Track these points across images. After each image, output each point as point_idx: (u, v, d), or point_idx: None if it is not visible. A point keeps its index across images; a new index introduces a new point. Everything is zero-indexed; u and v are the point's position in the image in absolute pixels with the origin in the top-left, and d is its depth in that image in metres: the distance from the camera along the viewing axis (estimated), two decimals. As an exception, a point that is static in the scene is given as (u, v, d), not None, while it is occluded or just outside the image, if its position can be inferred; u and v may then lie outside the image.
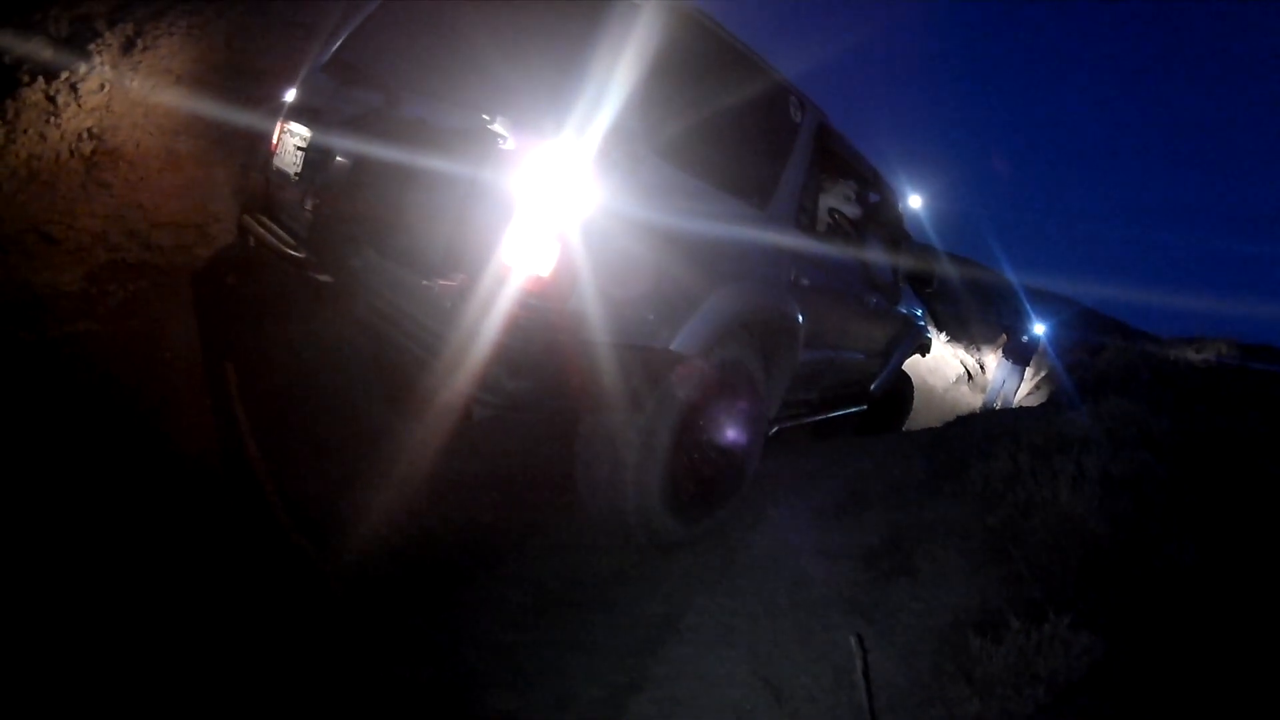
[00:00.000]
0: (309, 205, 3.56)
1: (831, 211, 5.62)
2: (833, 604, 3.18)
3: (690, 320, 3.45)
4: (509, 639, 3.08)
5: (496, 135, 2.92)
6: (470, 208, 2.98)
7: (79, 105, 5.75)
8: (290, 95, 4.02)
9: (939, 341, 15.18)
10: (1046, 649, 2.70)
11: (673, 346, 3.39)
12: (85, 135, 5.71)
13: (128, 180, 5.75)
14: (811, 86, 4.49)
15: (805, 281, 4.36)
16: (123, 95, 5.95)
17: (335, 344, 3.42)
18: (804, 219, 4.41)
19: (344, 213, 3.42)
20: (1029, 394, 13.11)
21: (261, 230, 3.74)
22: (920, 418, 8.57)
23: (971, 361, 15.81)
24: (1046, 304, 16.91)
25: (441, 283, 2.94)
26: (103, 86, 5.89)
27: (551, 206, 2.84)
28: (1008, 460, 4.24)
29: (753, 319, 3.88)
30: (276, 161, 3.89)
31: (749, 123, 3.95)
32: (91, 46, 6.00)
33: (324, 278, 3.40)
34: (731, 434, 4.01)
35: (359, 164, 3.41)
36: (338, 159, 3.48)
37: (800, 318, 4.30)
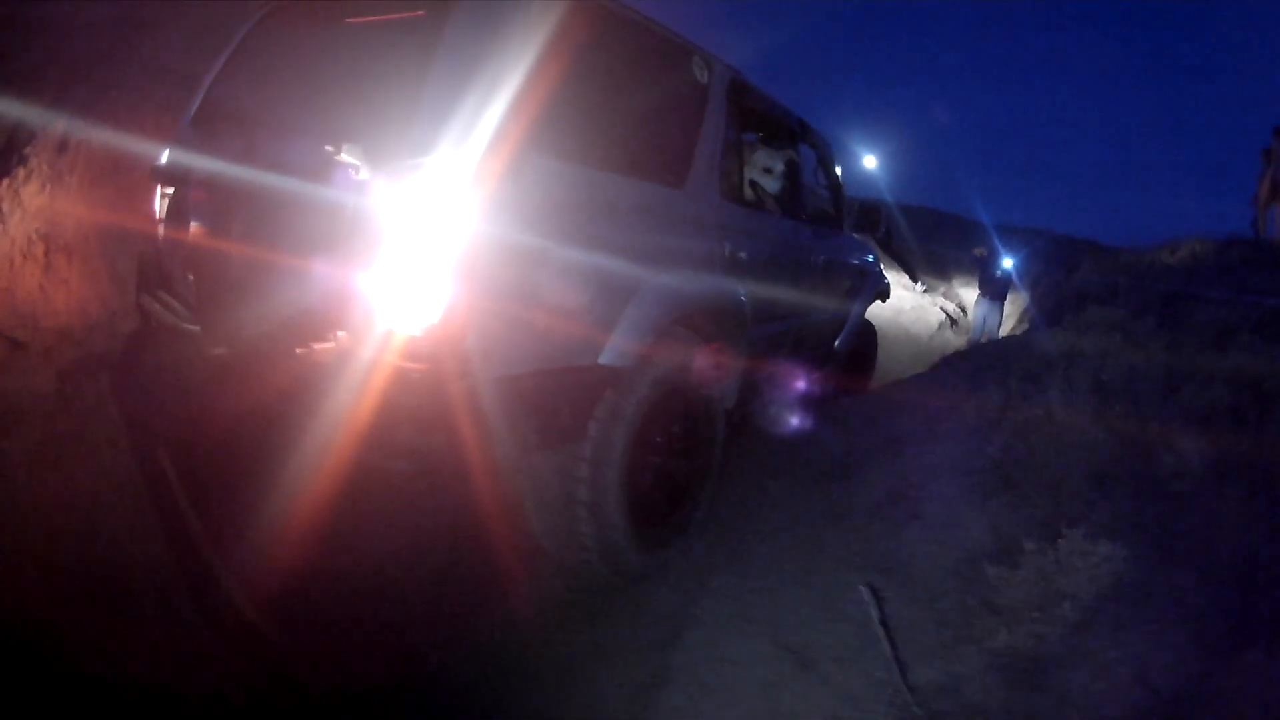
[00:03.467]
0: (190, 274, 3.30)
1: (763, 171, 5.23)
2: (846, 563, 3.05)
3: (615, 329, 3.13)
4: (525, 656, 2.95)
5: (348, 166, 2.59)
6: (335, 253, 2.67)
7: (24, 209, 5.64)
8: (163, 157, 3.61)
9: (917, 292, 15.08)
10: (1066, 565, 2.59)
11: (601, 361, 3.09)
12: (34, 237, 5.61)
13: (82, 274, 5.64)
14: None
15: (742, 255, 4.03)
16: (64, 193, 5.84)
17: (244, 420, 3.14)
18: (729, 188, 4.09)
19: (221, 277, 3.15)
20: (1013, 327, 13.01)
21: (158, 307, 3.47)
22: (908, 369, 8.40)
23: (953, 307, 15.73)
24: (1018, 239, 16.80)
25: (317, 347, 2.67)
26: (44, 187, 5.78)
27: (425, 238, 2.54)
28: (997, 388, 4.13)
29: (689, 310, 3.53)
30: (162, 230, 3.54)
31: (647, 96, 3.56)
32: (28, 150, 5.88)
33: (218, 350, 3.15)
34: (688, 437, 3.74)
35: (223, 220, 3.14)
36: (204, 218, 3.20)
37: (743, 295, 3.96)
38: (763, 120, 4.81)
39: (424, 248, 2.56)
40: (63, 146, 6.02)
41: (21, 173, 5.75)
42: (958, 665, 2.45)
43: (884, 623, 2.55)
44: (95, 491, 3.98)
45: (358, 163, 2.58)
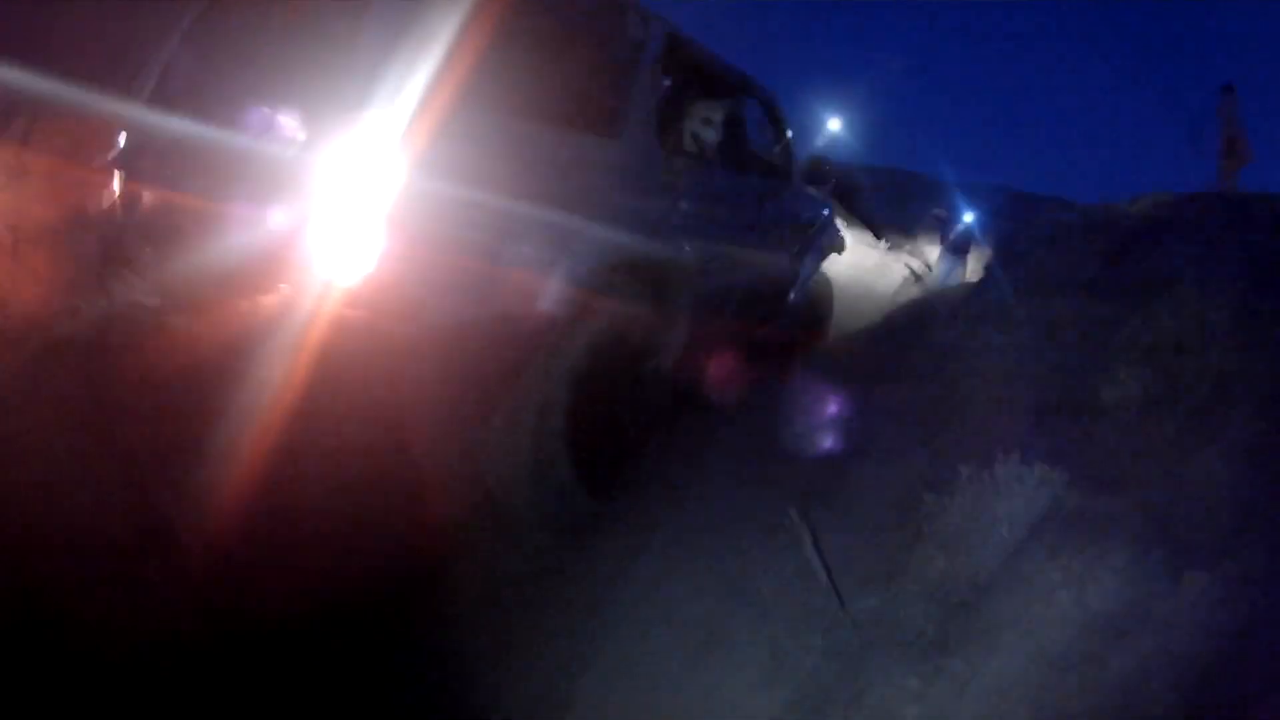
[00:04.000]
0: (146, 249, 3.35)
1: (704, 123, 5.18)
2: (789, 498, 3.06)
3: (551, 278, 3.15)
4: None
5: (287, 127, 2.70)
6: (278, 211, 2.74)
7: (-9, 200, 5.57)
8: (120, 137, 3.65)
9: (881, 249, 15.08)
10: (1003, 492, 2.61)
11: (538, 310, 3.12)
12: (2, 228, 5.54)
13: (51, 262, 5.57)
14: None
15: (683, 205, 4.01)
16: (32, 180, 5.76)
17: (202, 381, 3.19)
18: (667, 139, 4.08)
19: (175, 246, 3.21)
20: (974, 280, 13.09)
21: (119, 285, 3.51)
22: (868, 323, 8.39)
23: (918, 263, 15.76)
24: (981, 195, 16.81)
25: (264, 300, 2.75)
26: (9, 180, 5.69)
27: (358, 191, 2.60)
28: (944, 331, 4.16)
29: (627, 260, 3.55)
30: (120, 210, 3.59)
31: (580, 49, 3.59)
32: (-9, 138, 5.79)
33: (177, 319, 3.21)
34: (632, 389, 3.77)
35: (175, 190, 3.21)
36: (157, 190, 3.28)
37: (686, 246, 3.97)
38: (703, 74, 4.75)
39: (358, 201, 2.61)
40: (27, 134, 5.94)
41: (-11, 164, 5.67)
42: (896, 593, 2.48)
43: (818, 549, 2.56)
44: (68, 475, 3.96)
45: (295, 123, 2.69)
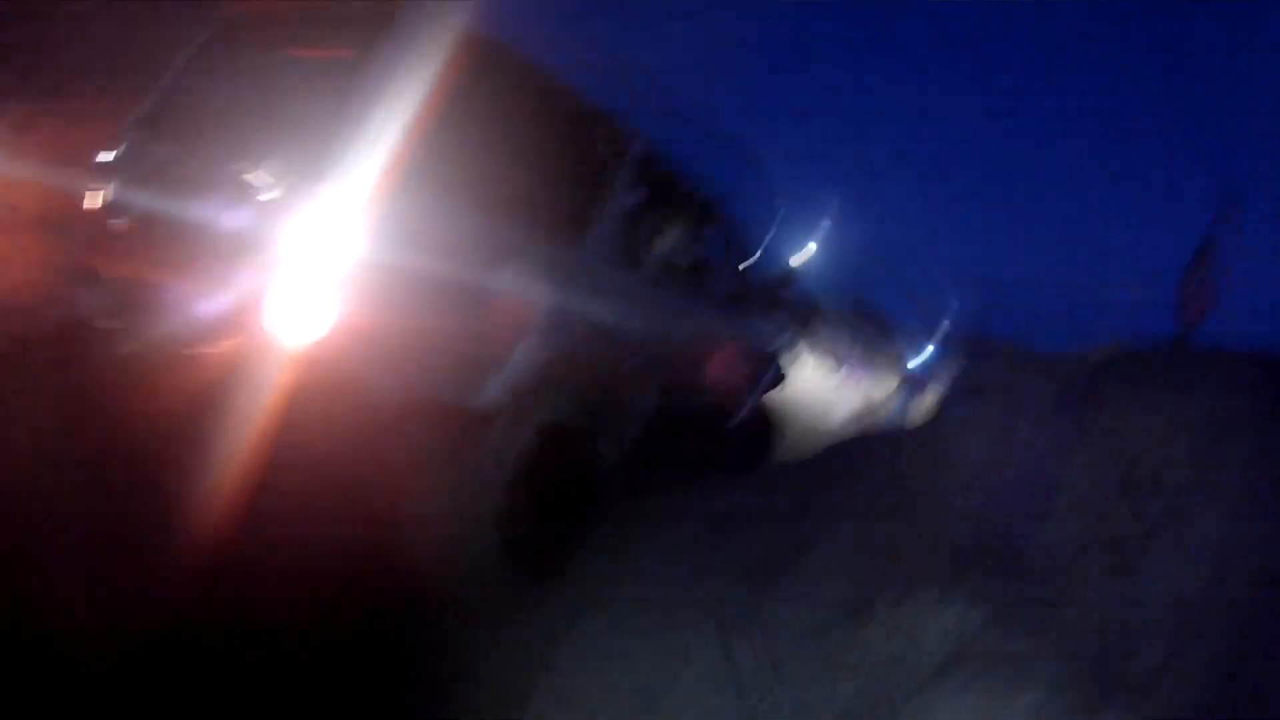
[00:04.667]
0: (115, 271, 3.35)
1: (667, 242, 5.11)
2: (714, 612, 3.04)
3: (496, 374, 3.19)
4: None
5: (255, 187, 2.74)
6: (237, 266, 2.77)
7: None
8: (103, 155, 3.68)
9: (840, 377, 15.20)
10: (916, 627, 2.60)
11: (481, 401, 3.15)
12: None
13: (26, 256, 5.55)
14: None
15: (634, 323, 4.07)
16: (15, 176, 5.77)
17: (148, 416, 3.15)
18: (623, 253, 4.10)
19: (143, 277, 3.22)
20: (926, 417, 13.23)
21: (84, 300, 3.48)
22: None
23: (877, 394, 15.89)
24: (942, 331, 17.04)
25: (210, 350, 2.77)
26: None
27: (317, 260, 2.63)
28: (885, 463, 4.19)
29: (573, 364, 3.59)
30: (92, 226, 3.61)
31: (554, 155, 3.63)
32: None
33: (131, 347, 3.18)
34: (571, 483, 3.76)
35: (145, 223, 3.22)
36: (129, 220, 3.29)
37: (633, 358, 4.04)
38: (672, 192, 4.71)
39: (315, 267, 2.63)
40: (23, 128, 5.97)
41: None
42: (805, 716, 2.45)
43: (731, 661, 2.53)
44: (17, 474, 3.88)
45: (264, 184, 2.73)
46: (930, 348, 12.41)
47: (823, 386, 13.81)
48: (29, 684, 2.57)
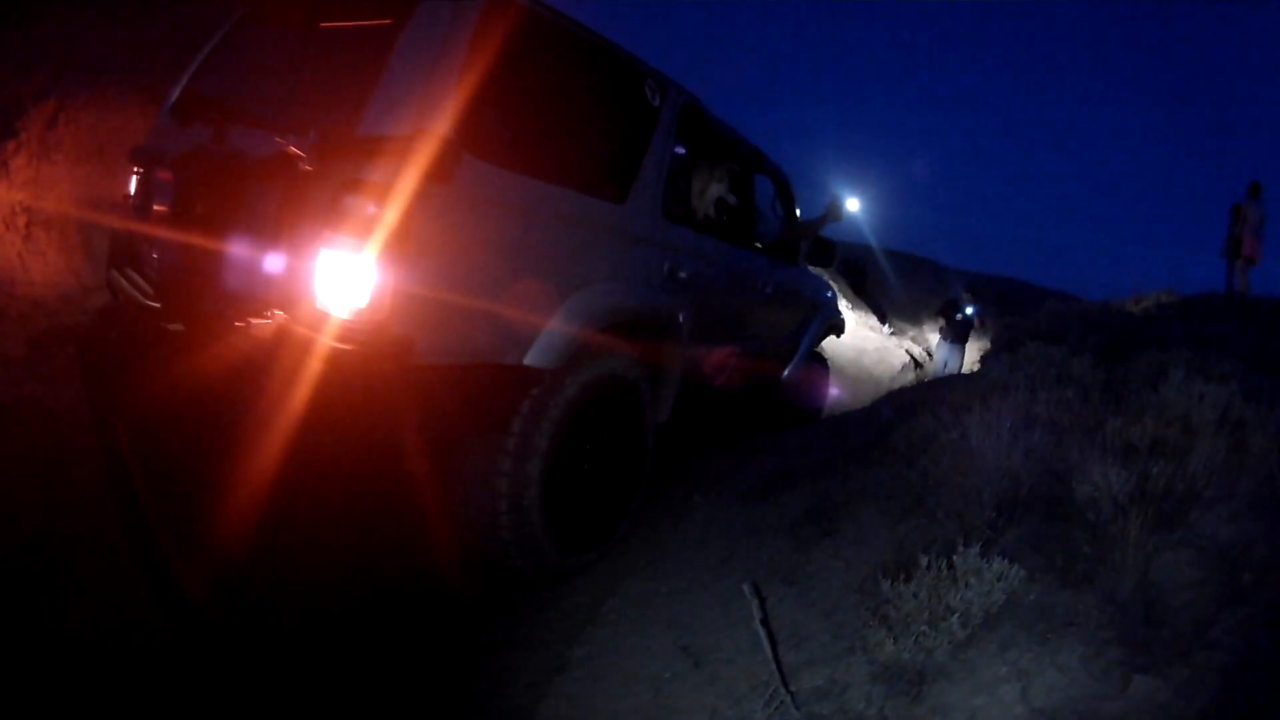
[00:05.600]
0: (155, 252, 3.38)
1: (713, 196, 4.99)
2: (756, 573, 3.04)
3: (542, 331, 3.15)
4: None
5: (296, 158, 2.69)
6: (280, 238, 2.77)
7: (10, 180, 5.63)
8: (141, 141, 3.77)
9: (884, 334, 15.09)
10: (960, 583, 2.57)
11: (527, 361, 3.11)
12: (18, 208, 5.60)
13: (60, 247, 5.64)
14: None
15: (683, 274, 4.01)
16: (50, 168, 5.83)
17: (193, 393, 3.17)
18: (676, 208, 4.08)
19: (183, 256, 3.22)
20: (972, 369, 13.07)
21: (124, 283, 3.51)
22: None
23: (919, 350, 15.73)
24: (987, 285, 16.79)
25: (254, 321, 2.73)
26: (31, 160, 5.76)
27: (358, 227, 2.58)
28: (929, 418, 4.12)
29: (621, 322, 3.52)
30: (133, 209, 3.62)
31: (595, 113, 3.63)
32: (19, 124, 5.86)
33: (175, 326, 3.20)
34: (616, 445, 3.72)
35: (186, 202, 3.20)
36: (170, 200, 3.27)
37: (680, 315, 3.96)
38: (717, 148, 4.79)
39: (356, 236, 2.59)
40: (53, 122, 6.02)
41: (11, 145, 5.74)
42: (844, 673, 2.44)
43: (765, 624, 2.51)
44: (53, 456, 3.96)
45: (304, 155, 2.69)
46: (976, 299, 12.20)
47: (869, 338, 13.74)
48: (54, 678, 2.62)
